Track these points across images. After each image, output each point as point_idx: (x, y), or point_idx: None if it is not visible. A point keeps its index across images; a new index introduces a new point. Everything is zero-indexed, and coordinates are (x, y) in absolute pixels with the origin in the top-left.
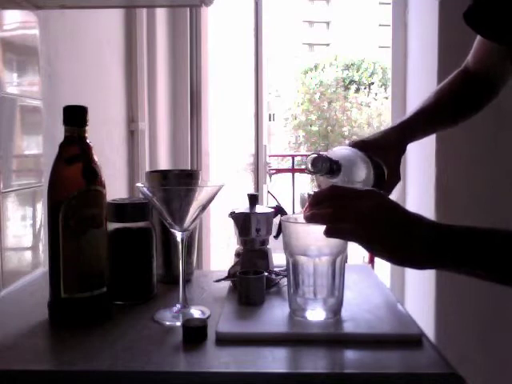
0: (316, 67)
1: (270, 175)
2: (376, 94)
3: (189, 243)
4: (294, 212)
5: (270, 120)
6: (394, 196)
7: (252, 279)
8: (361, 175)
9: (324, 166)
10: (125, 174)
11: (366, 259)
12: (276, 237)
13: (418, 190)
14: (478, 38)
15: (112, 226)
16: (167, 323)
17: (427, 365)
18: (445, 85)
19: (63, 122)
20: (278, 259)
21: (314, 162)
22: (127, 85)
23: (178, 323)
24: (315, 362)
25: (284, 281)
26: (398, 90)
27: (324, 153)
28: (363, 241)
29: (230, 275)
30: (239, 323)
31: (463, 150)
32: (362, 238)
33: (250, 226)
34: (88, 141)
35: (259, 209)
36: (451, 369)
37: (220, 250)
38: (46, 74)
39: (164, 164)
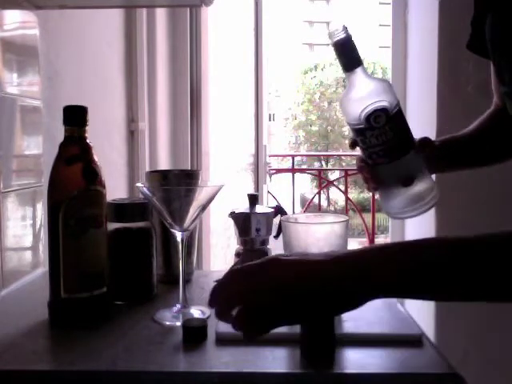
0: (316, 67)
1: (270, 175)
2: None
3: (189, 243)
4: (293, 212)
5: (269, 120)
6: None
7: None
8: (379, 86)
9: (346, 34)
10: (125, 174)
11: None
12: (276, 237)
13: None
14: (493, 73)
15: (112, 225)
16: (167, 323)
17: (427, 365)
18: (475, 124)
19: (63, 122)
20: None
21: (339, 27)
22: (127, 85)
23: (178, 323)
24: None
25: None
26: (397, 89)
27: None
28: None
29: None
30: None
31: None
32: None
33: (249, 226)
34: (88, 141)
35: (259, 209)
36: (451, 369)
37: (220, 250)
38: (46, 74)
39: (164, 164)
